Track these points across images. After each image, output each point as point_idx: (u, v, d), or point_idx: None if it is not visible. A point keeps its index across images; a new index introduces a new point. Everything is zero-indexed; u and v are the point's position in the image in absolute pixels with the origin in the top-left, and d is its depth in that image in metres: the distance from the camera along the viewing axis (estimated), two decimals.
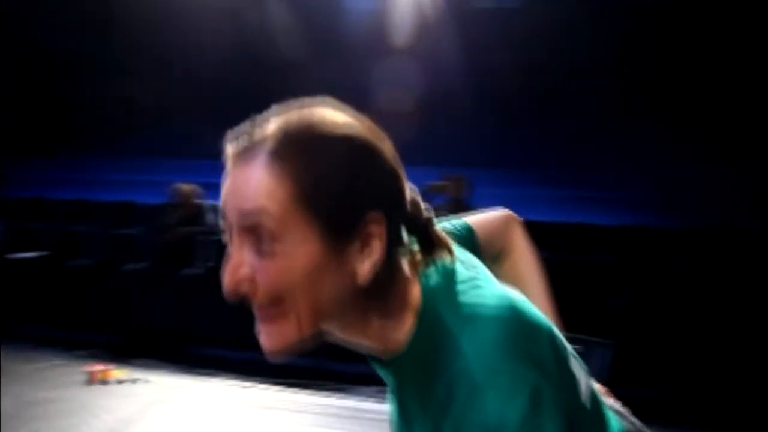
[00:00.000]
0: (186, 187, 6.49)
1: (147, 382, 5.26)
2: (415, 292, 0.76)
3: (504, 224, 1.11)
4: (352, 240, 0.70)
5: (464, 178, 5.17)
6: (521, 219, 1.15)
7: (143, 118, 8.93)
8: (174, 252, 6.20)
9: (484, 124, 7.58)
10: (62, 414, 4.52)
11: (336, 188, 0.69)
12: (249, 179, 0.69)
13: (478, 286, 0.77)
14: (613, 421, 0.88)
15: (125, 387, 5.13)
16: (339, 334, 0.76)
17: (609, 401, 0.96)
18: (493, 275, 0.88)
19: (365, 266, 0.71)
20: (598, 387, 0.96)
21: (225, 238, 0.72)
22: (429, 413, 0.71)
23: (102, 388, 5.07)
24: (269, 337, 0.73)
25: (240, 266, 0.70)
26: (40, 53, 9.48)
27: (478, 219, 1.09)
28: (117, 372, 5.27)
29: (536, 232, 1.16)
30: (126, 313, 6.33)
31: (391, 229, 0.72)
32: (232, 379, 5.32)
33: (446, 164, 6.00)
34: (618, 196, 6.89)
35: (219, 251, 5.91)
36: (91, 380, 5.12)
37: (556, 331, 0.76)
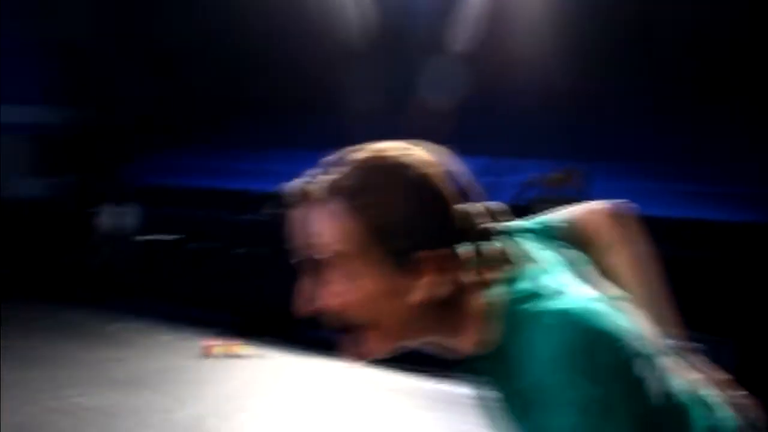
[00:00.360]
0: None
1: (261, 357, 5.58)
2: (481, 303, 0.81)
3: (602, 218, 1.06)
4: (408, 271, 0.78)
5: (577, 172, 5.05)
6: (629, 211, 1.08)
7: (268, 109, 9.37)
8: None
9: (604, 118, 7.32)
10: (176, 383, 4.89)
11: (393, 229, 0.78)
12: (312, 219, 0.80)
13: (542, 296, 0.79)
14: (716, 414, 0.87)
15: (240, 361, 5.46)
16: (413, 345, 0.85)
17: (719, 393, 0.93)
18: (592, 268, 0.91)
19: (424, 291, 0.79)
20: (702, 378, 0.92)
21: (296, 262, 0.83)
22: (516, 408, 0.78)
23: (218, 361, 5.42)
24: (347, 350, 0.83)
25: (309, 292, 0.81)
26: (170, 49, 10.17)
27: (568, 213, 1.06)
28: (235, 347, 5.62)
29: (655, 227, 1.13)
30: (246, 293, 6.72)
31: (446, 254, 0.79)
32: (341, 360, 5.50)
33: (564, 157, 5.88)
34: (740, 191, 6.44)
35: None
36: (207, 354, 5.48)
37: (628, 333, 0.76)
